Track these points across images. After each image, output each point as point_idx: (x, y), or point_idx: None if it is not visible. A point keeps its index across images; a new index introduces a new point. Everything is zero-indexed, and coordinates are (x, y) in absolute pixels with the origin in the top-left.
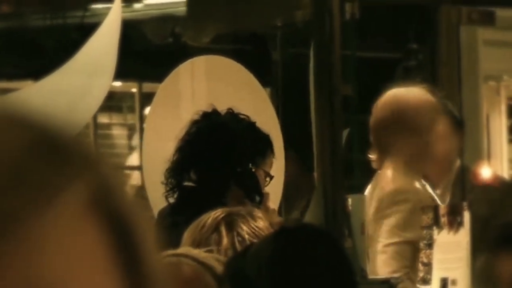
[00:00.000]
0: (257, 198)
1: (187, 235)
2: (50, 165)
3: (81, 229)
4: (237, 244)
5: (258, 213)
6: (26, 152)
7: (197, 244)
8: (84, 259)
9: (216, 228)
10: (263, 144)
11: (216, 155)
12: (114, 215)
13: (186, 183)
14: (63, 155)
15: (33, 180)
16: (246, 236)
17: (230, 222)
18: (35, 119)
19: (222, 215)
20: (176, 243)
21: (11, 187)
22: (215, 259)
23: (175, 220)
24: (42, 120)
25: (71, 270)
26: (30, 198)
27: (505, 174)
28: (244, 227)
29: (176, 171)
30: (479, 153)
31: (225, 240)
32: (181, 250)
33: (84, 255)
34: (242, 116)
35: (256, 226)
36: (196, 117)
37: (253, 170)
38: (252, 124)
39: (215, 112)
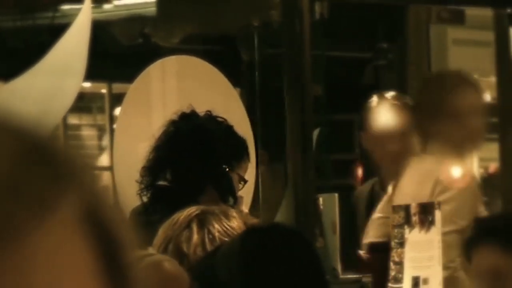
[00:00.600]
0: (231, 201)
1: (161, 231)
2: (42, 176)
3: (73, 241)
4: (207, 242)
5: (233, 212)
6: (18, 162)
7: (168, 240)
8: (75, 270)
9: (188, 224)
10: (240, 148)
11: (193, 156)
12: (102, 227)
13: (160, 182)
14: (54, 166)
15: (27, 192)
16: (217, 234)
17: (202, 220)
18: (23, 127)
19: (196, 212)
20: (149, 242)
21: (5, 197)
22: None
23: (148, 219)
24: (31, 128)
25: (62, 280)
26: (24, 210)
27: (476, 172)
28: (216, 225)
29: (152, 170)
30: None
31: (195, 237)
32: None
33: (74, 266)
34: (220, 119)
35: (229, 225)
36: (174, 117)
37: (229, 173)
38: (230, 127)
39: (193, 113)
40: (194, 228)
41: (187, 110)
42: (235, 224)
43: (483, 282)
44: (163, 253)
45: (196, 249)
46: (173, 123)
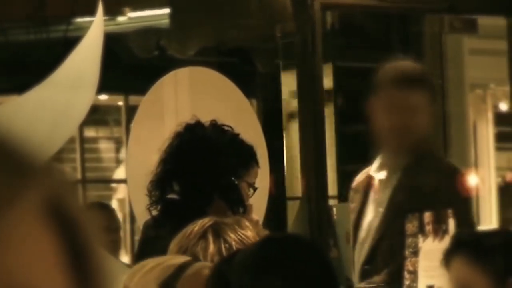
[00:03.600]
0: (241, 210)
1: (173, 243)
2: (2, 172)
3: (35, 234)
4: (223, 251)
5: (246, 222)
6: None
7: (183, 251)
8: (40, 260)
9: (203, 235)
10: (247, 155)
11: (198, 167)
12: (65, 221)
13: (169, 196)
14: (15, 162)
15: None
16: (233, 243)
17: (217, 230)
18: None
19: (210, 223)
20: (158, 255)
21: None
22: None
23: (157, 233)
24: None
25: (29, 269)
26: None
27: (492, 182)
28: (232, 235)
29: (159, 184)
30: (466, 161)
31: (211, 247)
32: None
33: (39, 256)
34: (225, 128)
35: (244, 234)
36: (179, 129)
37: (236, 182)
38: (236, 136)
39: (198, 124)
40: (210, 238)
41: (192, 121)
42: (249, 233)
43: None
44: None
45: (213, 258)
46: (178, 135)
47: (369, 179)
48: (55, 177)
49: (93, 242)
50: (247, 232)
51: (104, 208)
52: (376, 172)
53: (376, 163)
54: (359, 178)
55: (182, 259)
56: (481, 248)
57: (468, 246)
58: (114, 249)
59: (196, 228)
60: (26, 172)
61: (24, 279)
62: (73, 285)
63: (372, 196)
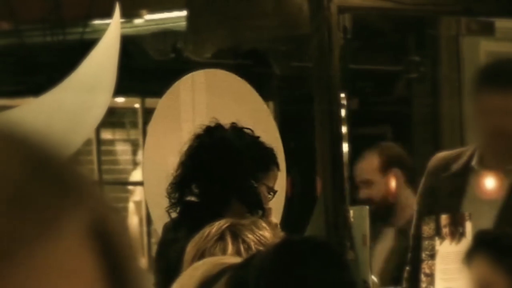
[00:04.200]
0: (260, 213)
1: (190, 245)
2: (50, 191)
3: (79, 255)
4: (242, 251)
5: (263, 223)
6: (27, 176)
7: (201, 253)
8: (82, 281)
9: (221, 236)
10: (267, 158)
11: (217, 169)
12: (108, 242)
13: (189, 198)
14: (62, 180)
15: (35, 206)
16: (252, 244)
17: (235, 231)
18: (35, 142)
19: (226, 224)
20: (176, 258)
21: (16, 211)
22: None
23: (175, 235)
24: (42, 143)
25: None
26: (31, 224)
27: None
28: (250, 235)
29: (179, 186)
30: None
31: (230, 248)
32: None
33: (81, 278)
34: (245, 130)
35: (261, 235)
36: (199, 131)
37: (255, 185)
38: (256, 139)
39: (218, 126)
40: (228, 239)
41: (212, 124)
42: (267, 234)
43: None
44: None
45: None
46: (197, 137)
47: (468, 171)
48: (98, 196)
49: (134, 264)
50: (265, 232)
51: None
52: (477, 166)
53: (476, 157)
54: (443, 161)
55: (235, 259)
56: (502, 247)
57: (489, 246)
58: None
59: (213, 230)
60: (70, 192)
61: None
62: None
63: (472, 193)
